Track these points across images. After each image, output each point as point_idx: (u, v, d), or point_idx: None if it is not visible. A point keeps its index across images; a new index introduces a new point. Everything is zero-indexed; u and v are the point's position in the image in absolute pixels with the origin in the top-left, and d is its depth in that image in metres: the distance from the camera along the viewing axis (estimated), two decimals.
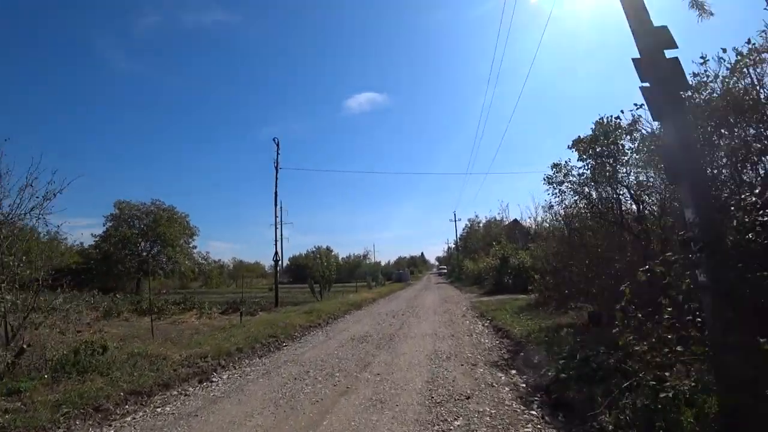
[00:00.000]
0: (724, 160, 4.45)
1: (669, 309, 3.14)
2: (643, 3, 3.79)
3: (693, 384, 2.91)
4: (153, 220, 36.92)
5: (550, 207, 9.78)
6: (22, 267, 5.89)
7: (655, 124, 5.74)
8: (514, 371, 5.47)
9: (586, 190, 8.12)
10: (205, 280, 49.61)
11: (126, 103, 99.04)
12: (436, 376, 5.32)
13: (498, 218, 41.24)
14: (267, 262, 57.78)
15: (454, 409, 4.01)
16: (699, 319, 3.12)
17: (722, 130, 4.40)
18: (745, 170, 4.41)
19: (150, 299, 13.30)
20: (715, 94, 4.51)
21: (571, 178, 8.23)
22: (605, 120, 7.37)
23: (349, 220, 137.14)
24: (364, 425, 3.70)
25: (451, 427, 3.59)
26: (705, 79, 4.35)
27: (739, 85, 4.30)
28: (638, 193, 7.25)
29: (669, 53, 3.78)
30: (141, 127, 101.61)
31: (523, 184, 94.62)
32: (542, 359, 5.39)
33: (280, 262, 20.67)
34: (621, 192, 7.60)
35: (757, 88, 4.14)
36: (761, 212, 2.91)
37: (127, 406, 4.51)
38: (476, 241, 43.49)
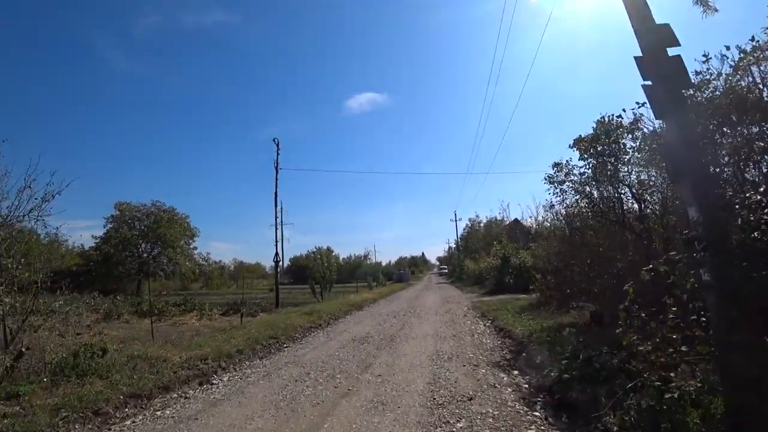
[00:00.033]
0: (726, 159, 4.42)
1: (674, 309, 3.11)
2: (645, 1, 3.76)
3: (699, 385, 2.87)
4: (153, 221, 36.96)
5: (552, 206, 9.75)
6: (21, 269, 5.86)
7: (657, 122, 5.74)
8: (516, 372, 5.43)
9: (588, 189, 8.09)
10: (205, 281, 49.62)
11: (126, 103, 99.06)
12: (438, 377, 5.28)
13: (499, 218, 41.26)
14: (268, 263, 57.75)
15: (457, 411, 3.97)
16: (703, 319, 3.09)
17: (724, 129, 4.37)
18: (747, 169, 4.37)
19: (149, 301, 13.26)
20: (717, 93, 4.47)
21: (572, 177, 8.20)
22: (607, 119, 7.35)
23: (349, 221, 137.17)
24: (365, 428, 3.66)
25: (454, 429, 3.56)
26: (708, 77, 4.31)
27: (742, 83, 4.27)
28: (640, 192, 7.22)
29: (671, 51, 3.76)
30: (141, 127, 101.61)
31: (524, 183, 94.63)
32: (545, 359, 5.35)
33: (280, 263, 20.64)
34: (622, 191, 7.57)
35: (760, 86, 4.11)
36: (766, 210, 2.88)
37: (126, 410, 4.47)
38: (477, 240, 43.46)
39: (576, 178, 8.13)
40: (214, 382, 5.56)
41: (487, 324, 10.04)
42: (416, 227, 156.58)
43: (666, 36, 3.79)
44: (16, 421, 3.82)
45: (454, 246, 61.51)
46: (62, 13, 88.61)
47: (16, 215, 6.04)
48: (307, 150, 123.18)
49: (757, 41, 3.99)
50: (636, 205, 7.48)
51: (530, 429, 3.51)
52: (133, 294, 27.87)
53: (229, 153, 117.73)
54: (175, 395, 4.97)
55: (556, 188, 8.49)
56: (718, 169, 4.49)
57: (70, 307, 6.65)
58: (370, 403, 4.32)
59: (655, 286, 4.01)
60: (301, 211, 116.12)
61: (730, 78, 4.26)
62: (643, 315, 3.37)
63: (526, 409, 3.98)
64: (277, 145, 19.29)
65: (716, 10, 4.57)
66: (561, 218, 9.98)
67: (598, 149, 7.53)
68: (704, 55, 4.52)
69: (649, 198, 7.14)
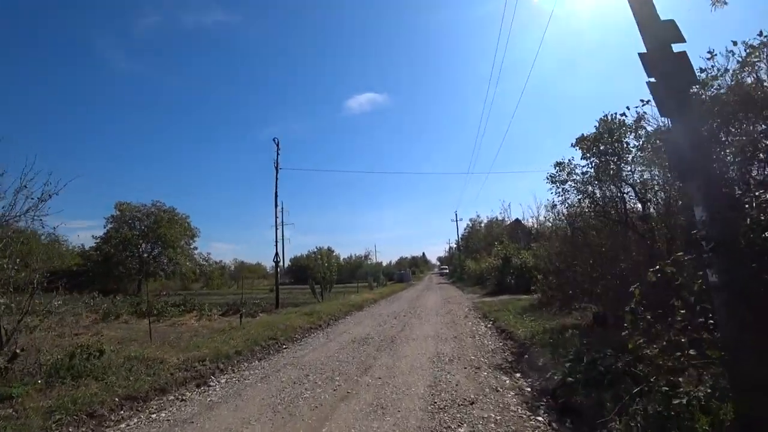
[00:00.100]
0: (730, 158, 4.33)
1: (682, 311, 3.02)
2: None
3: (709, 390, 2.77)
4: (154, 221, 36.97)
5: (553, 206, 9.64)
6: (17, 269, 5.79)
7: (661, 120, 5.65)
8: (518, 374, 5.34)
9: (590, 188, 8.00)
10: (206, 281, 49.57)
11: (126, 103, 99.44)
12: (439, 380, 5.19)
13: (500, 218, 41.15)
14: (268, 263, 57.69)
15: (458, 415, 3.88)
16: (711, 322, 3.01)
17: (728, 127, 4.28)
18: (753, 168, 4.29)
19: (148, 301, 13.20)
20: (722, 90, 4.39)
21: (574, 176, 8.12)
22: (609, 117, 7.26)
23: (350, 221, 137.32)
24: None
25: None
26: (715, 73, 4.21)
27: (749, 79, 4.18)
28: (643, 191, 7.13)
29: (676, 47, 3.68)
30: (141, 127, 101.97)
31: (525, 183, 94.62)
32: (547, 362, 5.26)
33: (281, 263, 20.56)
34: (625, 190, 7.49)
35: (766, 83, 4.02)
36: None
37: (122, 412, 4.40)
38: (478, 241, 43.35)
39: (578, 177, 8.04)
40: (212, 384, 5.48)
41: (489, 325, 9.95)
42: (417, 227, 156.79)
43: (671, 32, 3.71)
44: (9, 424, 3.74)
45: (454, 246, 61.46)
46: (62, 13, 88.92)
47: (12, 215, 5.97)
48: (307, 150, 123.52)
49: (766, 36, 3.90)
50: (639, 205, 7.40)
51: None
52: (133, 294, 27.84)
53: (229, 153, 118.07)
54: (172, 397, 4.90)
55: (558, 188, 8.41)
56: (723, 168, 4.41)
57: (66, 307, 6.59)
58: (370, 406, 4.23)
59: (661, 287, 3.92)
60: (301, 212, 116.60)
61: (737, 74, 4.17)
62: (649, 317, 3.29)
63: (529, 413, 3.90)
64: (277, 145, 19.21)
65: (725, 3, 4.47)
66: (563, 218, 9.88)
67: (601, 148, 7.45)
68: (709, 52, 4.43)
69: (652, 197, 7.05)
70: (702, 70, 4.49)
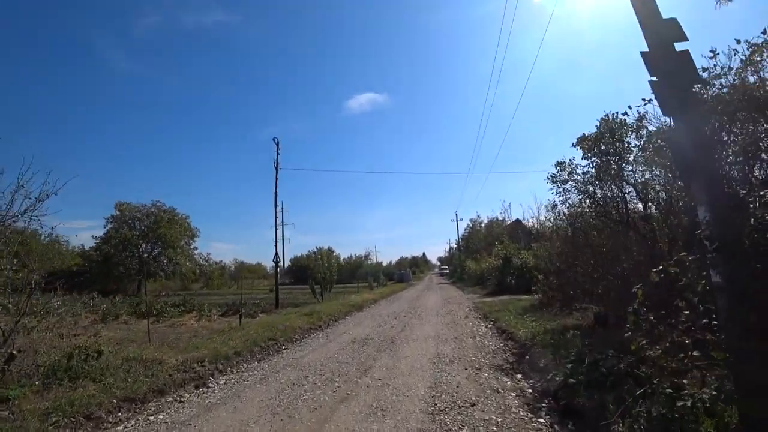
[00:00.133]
0: (731, 158, 4.29)
1: (686, 312, 2.98)
2: None
3: (714, 393, 2.73)
4: (154, 221, 36.93)
5: (554, 206, 9.60)
6: (15, 269, 5.75)
7: (664, 120, 5.61)
8: (519, 376, 5.30)
9: (591, 188, 7.96)
10: (206, 281, 49.52)
11: (126, 103, 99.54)
12: (439, 381, 5.15)
13: (500, 218, 41.09)
14: (268, 263, 57.60)
15: (459, 417, 3.84)
16: (715, 323, 2.97)
17: (731, 126, 4.24)
18: (755, 167, 4.25)
19: (146, 301, 13.15)
20: (724, 90, 4.35)
21: (575, 176, 8.07)
22: (611, 117, 7.23)
23: (350, 221, 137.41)
24: None
25: None
26: (718, 71, 4.17)
27: (751, 78, 4.14)
28: (644, 191, 7.09)
29: (679, 46, 3.65)
30: (141, 127, 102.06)
31: (526, 183, 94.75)
32: (548, 363, 5.22)
33: (281, 263, 20.52)
34: (627, 190, 7.45)
35: None
36: None
37: (119, 414, 4.36)
38: (478, 241, 43.31)
39: (579, 177, 8.00)
40: (211, 385, 5.44)
41: (489, 326, 9.91)
42: (417, 227, 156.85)
43: (673, 30, 3.68)
44: (5, 426, 3.70)
45: (455, 246, 61.41)
46: (62, 13, 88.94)
47: (10, 215, 5.93)
48: (307, 150, 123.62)
49: None
50: (640, 205, 7.36)
51: None
52: (133, 294, 27.81)
53: (229, 153, 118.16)
54: (170, 399, 4.86)
55: (559, 187, 8.36)
56: (726, 168, 4.37)
57: (65, 308, 6.55)
58: (370, 408, 4.19)
59: (663, 288, 3.88)
60: (301, 212, 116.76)
61: (740, 72, 4.13)
62: (652, 318, 3.25)
63: (530, 415, 3.85)
64: (277, 145, 19.17)
65: (730, 0, 4.43)
66: (564, 218, 9.84)
67: (602, 148, 7.41)
68: (711, 51, 4.38)
69: (654, 197, 7.01)
70: (704, 69, 4.45)
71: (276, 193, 18.98)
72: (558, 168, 8.27)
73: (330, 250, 25.58)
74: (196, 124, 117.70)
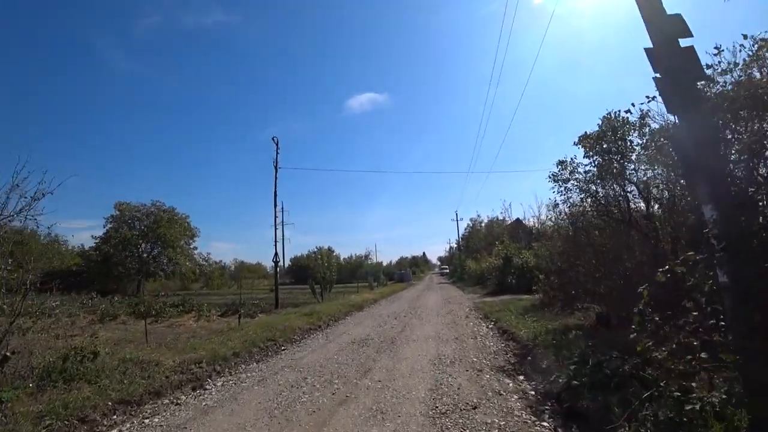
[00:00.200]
0: (735, 156, 4.22)
1: (695, 313, 2.91)
2: None
3: (724, 396, 2.65)
4: (153, 221, 36.82)
5: (555, 205, 9.53)
6: (10, 270, 5.67)
7: (667, 117, 5.53)
8: (522, 377, 5.22)
9: (593, 187, 7.90)
10: (206, 281, 49.41)
11: (126, 103, 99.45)
12: (440, 383, 5.07)
13: (500, 217, 41.05)
14: (269, 263, 57.33)
15: (461, 421, 3.76)
16: (722, 323, 2.90)
17: (735, 124, 4.16)
18: (760, 165, 4.18)
19: (143, 301, 13.07)
20: (728, 87, 4.27)
21: (577, 175, 8.02)
22: (613, 115, 7.16)
23: (350, 221, 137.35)
24: None
25: None
26: (725, 67, 4.09)
27: (757, 75, 4.06)
28: (647, 190, 7.02)
29: (683, 42, 3.58)
30: (141, 127, 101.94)
31: (526, 182, 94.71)
32: (551, 364, 5.14)
33: (281, 263, 20.44)
34: (629, 189, 7.38)
35: None
36: None
37: (114, 417, 4.28)
38: (478, 240, 43.24)
39: (581, 176, 7.95)
40: (208, 387, 5.36)
41: (490, 326, 9.83)
42: (417, 227, 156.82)
43: (678, 26, 3.62)
44: None
45: (455, 246, 61.34)
46: (62, 13, 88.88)
47: (5, 215, 5.85)
48: (307, 150, 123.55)
49: None
50: (643, 204, 7.29)
51: None
52: (132, 294, 27.73)
53: (229, 153, 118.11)
54: (167, 401, 4.78)
55: (561, 186, 8.31)
56: (731, 166, 4.30)
57: (62, 308, 6.47)
58: (369, 411, 4.11)
59: (669, 288, 3.81)
60: (301, 211, 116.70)
61: (747, 68, 4.05)
62: (657, 318, 3.17)
63: (533, 418, 3.77)
64: (277, 144, 19.08)
65: None
66: (565, 217, 9.77)
67: (604, 146, 7.34)
68: (716, 47, 4.31)
69: (658, 195, 6.94)
70: (708, 66, 4.37)
71: (275, 192, 18.90)
72: (559, 167, 8.22)
73: (330, 250, 25.50)
74: (196, 124, 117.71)
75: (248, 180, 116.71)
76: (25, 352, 5.48)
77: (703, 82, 4.08)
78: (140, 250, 36.67)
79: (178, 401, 4.77)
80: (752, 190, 3.46)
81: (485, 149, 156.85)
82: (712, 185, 3.14)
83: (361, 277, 39.19)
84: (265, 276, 59.81)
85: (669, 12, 3.66)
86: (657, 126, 6.12)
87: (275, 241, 19.20)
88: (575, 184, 8.13)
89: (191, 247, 41.32)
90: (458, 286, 32.37)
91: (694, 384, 2.87)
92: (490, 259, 25.43)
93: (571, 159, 8.01)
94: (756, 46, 4.03)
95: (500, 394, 4.52)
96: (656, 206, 7.14)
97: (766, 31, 3.93)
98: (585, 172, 7.80)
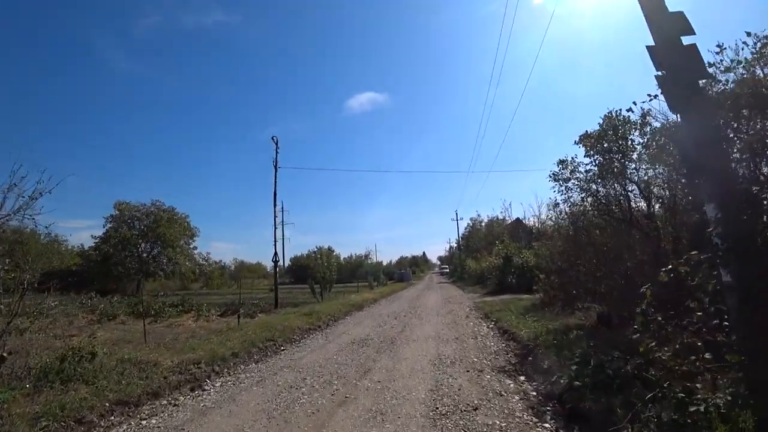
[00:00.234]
0: (737, 155, 4.18)
1: (699, 313, 2.87)
2: None
3: (729, 398, 2.62)
4: (153, 221, 36.76)
5: (556, 205, 9.50)
6: (8, 269, 5.63)
7: (668, 116, 5.49)
8: (523, 378, 5.18)
9: (594, 186, 7.86)
10: (206, 281, 49.34)
11: (126, 103, 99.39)
12: (441, 383, 5.03)
13: (500, 217, 41.03)
14: (269, 263, 57.08)
15: (461, 422, 3.72)
16: (726, 324, 2.86)
17: (734, 124, 4.12)
18: (762, 164, 4.14)
19: (142, 301, 13.02)
20: (731, 85, 4.23)
21: (577, 174, 7.98)
22: (614, 114, 7.12)
23: (350, 220, 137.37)
24: None
25: None
26: (728, 64, 4.05)
27: (760, 73, 4.02)
28: (648, 189, 6.98)
29: (686, 40, 3.55)
30: (141, 127, 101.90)
31: (526, 182, 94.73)
32: (552, 364, 5.11)
33: (280, 263, 20.40)
34: (630, 188, 7.34)
35: None
36: None
37: (112, 418, 4.24)
38: (478, 240, 43.22)
39: (582, 175, 7.91)
40: (206, 387, 5.32)
41: (491, 326, 9.80)
42: (417, 226, 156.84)
43: (680, 24, 3.59)
44: None
45: (455, 245, 61.31)
46: (62, 13, 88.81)
47: (2, 214, 5.81)
48: (308, 150, 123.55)
49: None
50: (644, 203, 7.25)
51: None
52: (132, 294, 27.67)
53: (229, 153, 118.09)
54: (165, 402, 4.74)
55: (561, 186, 8.27)
56: (734, 164, 4.26)
57: (59, 308, 6.43)
58: (369, 412, 4.07)
59: (672, 287, 3.77)
60: (301, 211, 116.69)
61: (750, 66, 4.01)
62: (660, 319, 3.13)
63: (535, 419, 3.74)
64: (276, 143, 19.03)
65: None
66: (566, 217, 9.74)
67: (605, 145, 7.30)
68: (718, 46, 4.26)
69: (660, 194, 6.90)
70: (710, 65, 4.33)
71: (275, 192, 18.85)
72: (560, 166, 8.18)
73: (330, 250, 25.45)
74: (196, 124, 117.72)
75: (248, 180, 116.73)
76: (22, 353, 5.45)
77: (705, 81, 4.05)
78: (140, 249, 36.61)
79: (176, 402, 4.73)
80: (756, 188, 3.42)
81: (485, 149, 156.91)
82: (715, 184, 3.11)
83: (361, 276, 39.15)
84: (265, 276, 59.73)
85: (671, 10, 3.63)
86: (658, 125, 6.08)
87: (275, 241, 19.17)
88: (576, 183, 8.09)
89: (191, 246, 41.29)
90: (458, 285, 32.34)
91: (698, 385, 2.83)
92: (490, 258, 25.40)
93: (572, 158, 7.98)
94: (759, 44, 3.98)
95: (501, 395, 4.49)
96: (657, 205, 7.11)
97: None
98: (586, 171, 7.77)
